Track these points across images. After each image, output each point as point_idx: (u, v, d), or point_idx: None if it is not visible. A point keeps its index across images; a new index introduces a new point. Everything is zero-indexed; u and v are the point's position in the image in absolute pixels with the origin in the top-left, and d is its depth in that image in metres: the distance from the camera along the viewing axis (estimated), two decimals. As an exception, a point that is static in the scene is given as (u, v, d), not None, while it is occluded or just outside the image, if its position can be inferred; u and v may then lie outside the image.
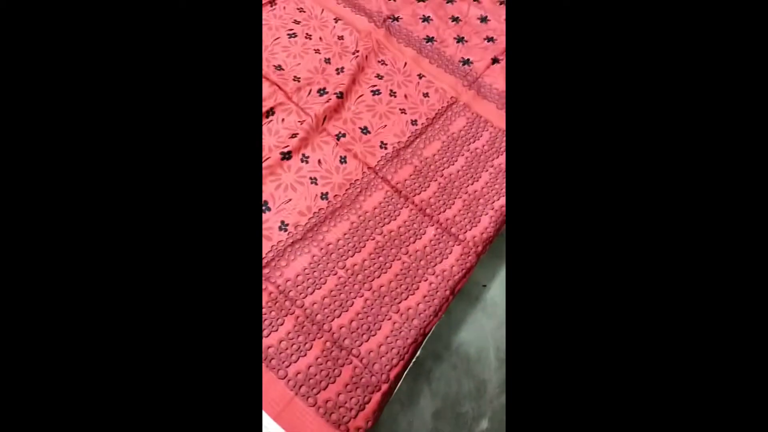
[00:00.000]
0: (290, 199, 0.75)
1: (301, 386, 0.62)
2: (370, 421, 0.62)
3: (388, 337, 0.67)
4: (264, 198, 0.74)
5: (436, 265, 0.75)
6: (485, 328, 1.11)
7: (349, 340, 0.66)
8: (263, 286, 0.68)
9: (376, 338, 0.67)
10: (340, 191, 0.78)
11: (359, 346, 0.66)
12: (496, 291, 1.13)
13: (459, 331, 1.12)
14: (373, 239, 0.74)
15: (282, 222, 0.73)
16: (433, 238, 0.77)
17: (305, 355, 0.64)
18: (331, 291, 0.69)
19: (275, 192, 0.75)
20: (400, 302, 0.70)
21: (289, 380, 0.62)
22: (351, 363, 0.65)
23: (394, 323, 0.69)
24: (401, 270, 0.73)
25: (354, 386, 0.63)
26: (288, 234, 0.72)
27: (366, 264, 0.72)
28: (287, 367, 0.63)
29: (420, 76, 0.93)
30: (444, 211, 0.79)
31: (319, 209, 0.75)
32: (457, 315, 1.10)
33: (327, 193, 0.77)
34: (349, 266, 0.71)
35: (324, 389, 0.62)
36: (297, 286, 0.68)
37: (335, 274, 0.70)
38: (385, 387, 0.64)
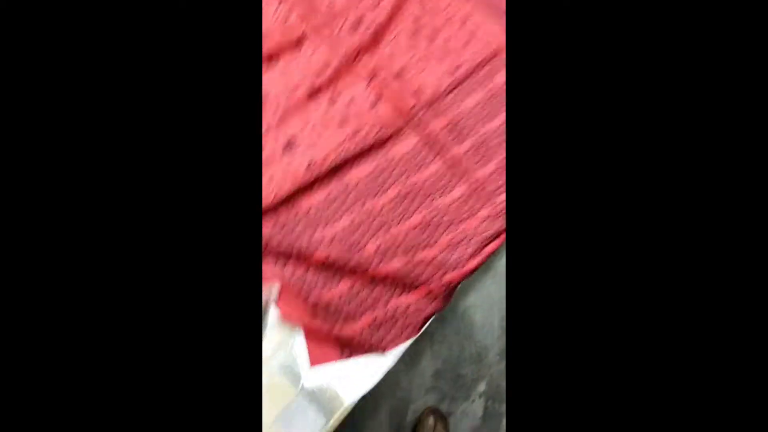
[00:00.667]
0: (318, 140, 0.70)
1: (293, 280, 0.62)
2: (355, 337, 0.60)
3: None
4: (291, 138, 0.69)
5: (460, 222, 0.71)
6: (493, 296, 1.10)
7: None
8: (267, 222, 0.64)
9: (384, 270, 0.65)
10: (370, 133, 0.72)
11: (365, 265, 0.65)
12: (509, 260, 1.11)
13: (466, 296, 1.11)
14: (397, 187, 0.70)
15: (309, 162, 0.68)
16: (462, 196, 0.73)
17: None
18: (344, 229, 0.66)
19: (303, 131, 0.69)
20: (415, 253, 0.67)
21: (284, 271, 0.62)
22: (352, 277, 0.63)
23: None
24: (421, 222, 0.69)
25: (349, 299, 0.62)
26: (310, 173, 0.67)
27: (384, 210, 0.68)
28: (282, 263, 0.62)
29: (464, 21, 0.86)
30: (477, 171, 0.74)
31: (345, 149, 0.70)
32: (467, 281, 1.09)
33: (356, 133, 0.71)
34: (366, 209, 0.67)
35: (319, 289, 0.62)
36: (309, 218, 0.66)
37: (350, 213, 0.66)
38: (379, 311, 0.62)
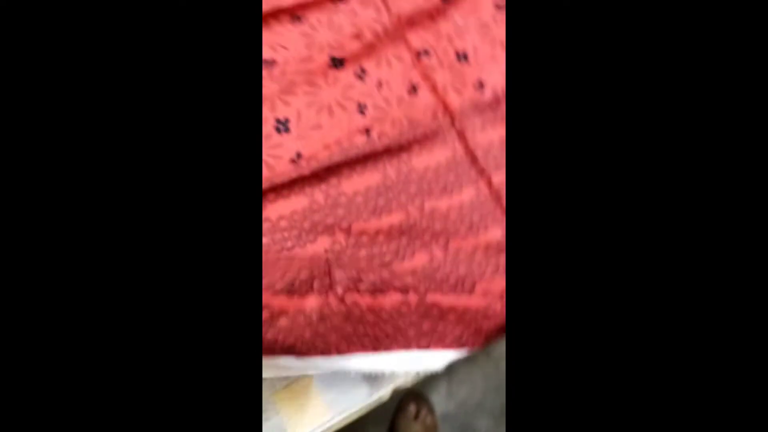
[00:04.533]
0: (320, 127, 0.54)
1: None
2: None
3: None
4: (287, 115, 0.55)
5: (490, 279, 0.51)
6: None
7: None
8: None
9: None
10: (392, 131, 0.55)
11: None
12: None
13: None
14: (407, 211, 0.52)
15: (297, 153, 0.53)
16: (500, 242, 0.53)
17: None
18: (319, 255, 0.49)
19: (305, 110, 0.55)
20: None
21: None
22: None
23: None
24: (430, 263, 0.51)
25: None
26: (295, 167, 0.52)
27: (380, 239, 0.51)
28: None
29: None
30: None
31: (353, 146, 0.54)
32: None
33: (371, 129, 0.54)
34: (354, 233, 0.51)
35: None
36: (279, 232, 0.49)
37: (331, 236, 0.51)
38: None
